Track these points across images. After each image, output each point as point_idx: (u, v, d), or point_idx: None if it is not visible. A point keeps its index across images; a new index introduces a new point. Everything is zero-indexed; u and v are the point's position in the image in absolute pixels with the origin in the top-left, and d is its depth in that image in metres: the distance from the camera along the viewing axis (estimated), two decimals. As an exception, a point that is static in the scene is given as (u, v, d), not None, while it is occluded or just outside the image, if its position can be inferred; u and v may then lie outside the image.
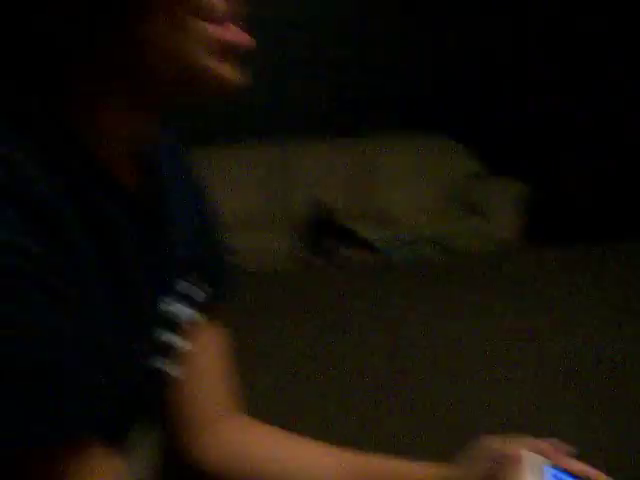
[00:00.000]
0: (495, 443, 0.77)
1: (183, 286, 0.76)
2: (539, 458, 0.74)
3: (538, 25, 5.00)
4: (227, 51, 0.59)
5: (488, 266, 4.10)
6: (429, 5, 5.07)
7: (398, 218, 4.80)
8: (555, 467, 0.74)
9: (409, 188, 5.04)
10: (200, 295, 0.79)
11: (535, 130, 5.05)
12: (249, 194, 4.84)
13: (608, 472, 0.75)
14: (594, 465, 0.75)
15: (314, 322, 3.30)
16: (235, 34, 0.59)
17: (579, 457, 0.76)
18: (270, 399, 2.53)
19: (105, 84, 0.58)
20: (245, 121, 4.83)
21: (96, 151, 0.60)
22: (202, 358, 0.83)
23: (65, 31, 0.56)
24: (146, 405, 0.74)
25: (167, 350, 0.74)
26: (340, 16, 5.02)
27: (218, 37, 0.58)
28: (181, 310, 0.75)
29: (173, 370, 0.76)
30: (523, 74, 5.03)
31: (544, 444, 0.76)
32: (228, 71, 0.59)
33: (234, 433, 0.85)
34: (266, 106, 4.90)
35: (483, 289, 3.66)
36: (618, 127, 5.05)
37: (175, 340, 0.75)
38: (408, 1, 5.06)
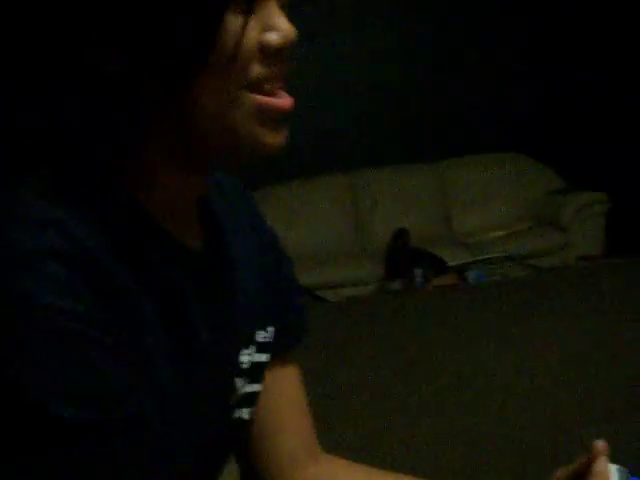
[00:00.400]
0: (576, 465, 0.76)
1: (259, 335, 0.78)
2: (625, 470, 0.73)
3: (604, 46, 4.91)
4: (273, 118, 0.62)
5: (571, 281, 4.02)
6: (496, 23, 5.05)
7: (478, 239, 4.76)
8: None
9: (489, 209, 5.00)
10: (273, 339, 0.80)
11: (613, 142, 4.92)
12: (329, 225, 4.85)
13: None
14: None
15: (394, 345, 3.30)
16: (281, 101, 0.62)
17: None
18: (354, 424, 2.54)
19: (155, 148, 0.62)
20: (319, 153, 4.84)
21: (155, 215, 0.63)
22: (280, 398, 0.84)
23: (120, 103, 0.60)
24: (227, 452, 0.77)
25: (250, 400, 0.77)
26: (420, 42, 5.04)
27: (266, 107, 0.61)
28: (260, 358, 0.77)
29: (253, 415, 0.78)
30: (600, 86, 4.93)
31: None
32: (273, 137, 0.62)
33: (320, 471, 0.85)
34: (342, 135, 4.92)
35: (567, 304, 3.59)
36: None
37: (257, 388, 0.77)
38: (471, 22, 5.06)
